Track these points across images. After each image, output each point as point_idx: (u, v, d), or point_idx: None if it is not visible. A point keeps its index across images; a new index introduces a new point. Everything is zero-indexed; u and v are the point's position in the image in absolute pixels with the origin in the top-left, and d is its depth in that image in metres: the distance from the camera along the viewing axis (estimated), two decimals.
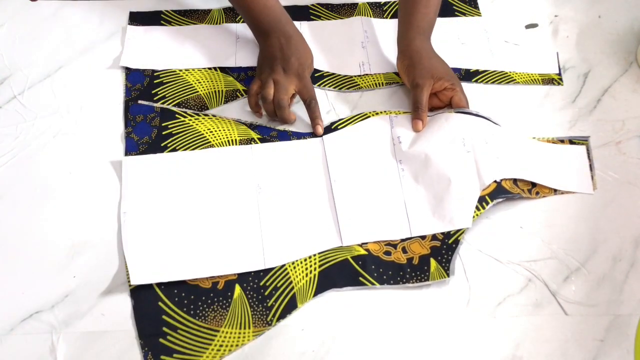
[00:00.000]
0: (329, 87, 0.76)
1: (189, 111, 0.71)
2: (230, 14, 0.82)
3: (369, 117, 0.72)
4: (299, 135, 0.71)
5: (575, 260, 0.63)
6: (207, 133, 0.69)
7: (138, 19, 0.80)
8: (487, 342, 0.58)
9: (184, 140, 0.68)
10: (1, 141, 0.69)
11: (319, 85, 0.76)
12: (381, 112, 0.72)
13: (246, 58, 0.78)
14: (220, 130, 0.69)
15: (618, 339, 0.58)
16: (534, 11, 0.86)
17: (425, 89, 0.69)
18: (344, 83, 0.76)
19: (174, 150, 0.67)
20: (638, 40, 0.82)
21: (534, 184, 0.67)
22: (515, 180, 0.66)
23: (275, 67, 0.70)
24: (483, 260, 0.63)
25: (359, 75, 0.77)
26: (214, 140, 0.68)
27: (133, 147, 0.68)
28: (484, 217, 0.65)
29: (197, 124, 0.70)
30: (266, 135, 0.70)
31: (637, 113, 0.75)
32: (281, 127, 0.72)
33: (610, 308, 0.60)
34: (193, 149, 0.67)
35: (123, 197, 0.64)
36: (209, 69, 0.76)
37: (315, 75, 0.77)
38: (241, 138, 0.69)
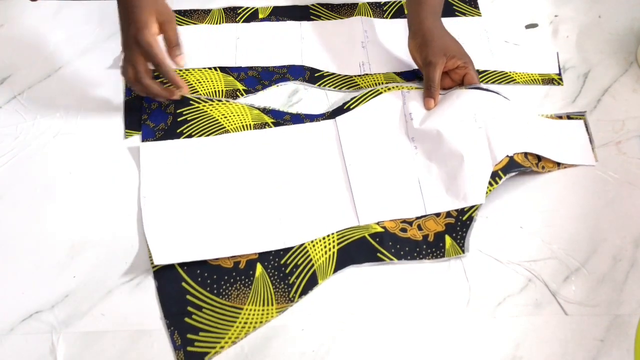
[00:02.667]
0: (329, 87, 0.76)
1: (202, 97, 0.72)
2: (230, 14, 0.82)
3: (381, 93, 0.72)
4: (312, 118, 0.72)
5: (575, 260, 0.63)
6: (221, 118, 0.70)
7: None
8: (487, 342, 0.58)
9: (199, 125, 0.69)
10: (1, 141, 0.69)
11: (319, 85, 0.76)
12: (393, 88, 0.73)
13: (246, 58, 0.78)
14: (234, 115, 0.70)
15: (618, 339, 0.58)
16: (534, 11, 0.86)
17: (438, 67, 0.69)
18: (344, 83, 0.76)
19: (190, 136, 0.68)
20: (638, 40, 0.82)
21: (539, 158, 0.68)
22: (525, 154, 0.67)
23: (122, 42, 0.67)
24: (483, 260, 0.63)
25: (359, 75, 0.77)
26: (228, 126, 0.69)
27: (149, 134, 0.69)
28: (483, 217, 0.65)
29: (211, 110, 0.71)
30: (279, 119, 0.71)
31: (637, 113, 0.75)
32: (294, 111, 0.73)
33: (610, 308, 0.60)
34: (208, 135, 0.69)
35: (142, 182, 0.65)
36: (209, 69, 0.76)
37: (315, 75, 0.77)
38: (255, 123, 0.70)
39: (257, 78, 0.76)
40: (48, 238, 0.62)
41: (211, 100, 0.72)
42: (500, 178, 0.65)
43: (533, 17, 0.85)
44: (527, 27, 0.84)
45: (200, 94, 0.69)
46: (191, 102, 0.71)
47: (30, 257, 0.61)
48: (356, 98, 0.72)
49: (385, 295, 0.61)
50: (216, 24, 0.81)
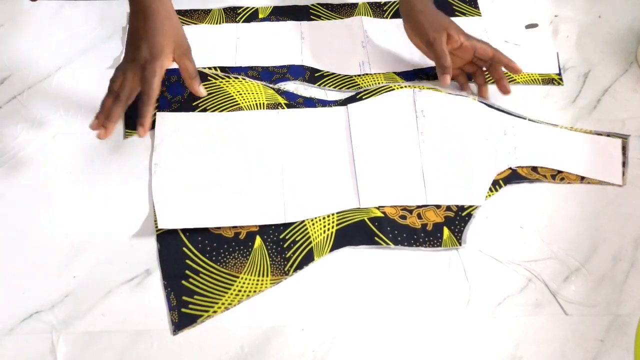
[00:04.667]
0: (329, 87, 0.76)
1: (220, 73, 0.74)
2: (230, 14, 0.82)
3: (394, 89, 0.73)
4: (325, 103, 0.73)
5: (575, 260, 0.63)
6: (236, 95, 0.71)
7: None
8: (487, 342, 0.58)
9: (215, 100, 0.71)
10: (1, 141, 0.69)
11: (319, 85, 0.76)
12: (406, 86, 0.74)
13: (246, 58, 0.78)
14: (249, 93, 0.72)
15: (618, 339, 0.58)
16: (534, 11, 0.85)
17: (442, 39, 0.69)
18: (344, 83, 0.76)
19: (204, 110, 0.70)
20: (638, 40, 0.82)
21: (559, 171, 0.69)
22: (535, 167, 0.69)
23: (127, 56, 0.64)
24: (483, 260, 0.63)
25: (358, 75, 0.77)
26: (242, 103, 0.71)
27: (166, 105, 0.71)
28: (483, 217, 0.65)
29: (227, 86, 0.72)
30: (292, 101, 0.73)
31: (637, 113, 0.75)
32: (307, 95, 0.74)
33: (610, 308, 0.60)
34: (222, 110, 0.70)
35: (155, 149, 0.68)
36: (209, 68, 0.76)
37: (315, 75, 0.77)
38: (268, 102, 0.71)
39: (258, 78, 0.76)
40: (48, 238, 0.62)
41: (228, 76, 0.74)
42: (500, 187, 0.67)
43: (533, 17, 0.85)
44: (527, 27, 0.84)
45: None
46: (209, 77, 0.73)
47: (30, 257, 0.61)
48: (369, 91, 0.73)
49: (385, 295, 0.61)
50: (216, 24, 0.81)
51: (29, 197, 0.65)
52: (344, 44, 0.80)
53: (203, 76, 0.73)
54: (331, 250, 0.63)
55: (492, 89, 0.76)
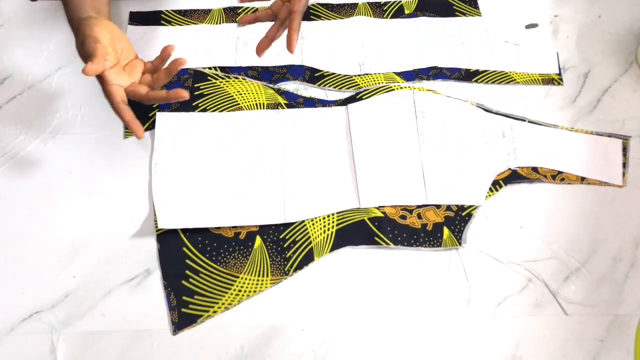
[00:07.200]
0: (329, 86, 0.76)
1: (220, 73, 0.74)
2: (230, 14, 0.82)
3: (394, 89, 0.73)
4: (325, 103, 0.73)
5: (575, 260, 0.63)
6: (236, 95, 0.72)
7: (138, 19, 0.80)
8: (487, 342, 0.58)
9: (215, 100, 0.71)
10: (1, 141, 0.69)
11: (319, 85, 0.76)
12: (405, 87, 0.74)
13: (246, 58, 0.78)
14: (249, 93, 0.72)
15: (618, 339, 0.58)
16: (534, 11, 0.85)
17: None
18: (344, 83, 0.76)
19: (204, 110, 0.71)
20: (638, 40, 0.82)
21: (559, 171, 0.69)
22: (535, 167, 0.69)
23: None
24: (483, 260, 0.63)
25: (359, 75, 0.77)
26: (242, 103, 0.71)
27: (166, 105, 0.71)
28: (483, 217, 0.65)
29: (227, 86, 0.73)
30: (293, 101, 0.73)
31: (637, 113, 0.75)
32: (307, 95, 0.74)
33: (610, 308, 0.60)
34: (222, 110, 0.71)
35: (155, 149, 0.68)
36: (209, 68, 0.76)
37: (315, 75, 0.77)
38: (268, 102, 0.72)
39: (258, 78, 0.76)
40: (48, 238, 0.62)
41: (228, 76, 0.74)
42: (500, 187, 0.67)
43: (533, 17, 0.85)
44: (527, 27, 0.84)
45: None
46: (209, 77, 0.73)
47: (30, 257, 0.61)
48: (369, 91, 0.74)
49: (385, 295, 0.61)
50: (216, 24, 0.81)
51: (29, 197, 0.65)
52: (344, 44, 0.80)
53: (203, 76, 0.73)
54: (331, 250, 0.63)
55: (491, 90, 0.76)
